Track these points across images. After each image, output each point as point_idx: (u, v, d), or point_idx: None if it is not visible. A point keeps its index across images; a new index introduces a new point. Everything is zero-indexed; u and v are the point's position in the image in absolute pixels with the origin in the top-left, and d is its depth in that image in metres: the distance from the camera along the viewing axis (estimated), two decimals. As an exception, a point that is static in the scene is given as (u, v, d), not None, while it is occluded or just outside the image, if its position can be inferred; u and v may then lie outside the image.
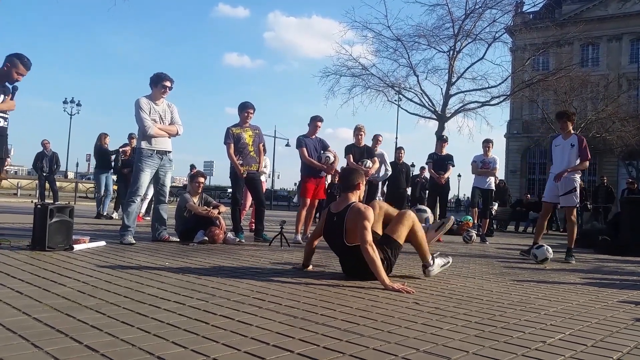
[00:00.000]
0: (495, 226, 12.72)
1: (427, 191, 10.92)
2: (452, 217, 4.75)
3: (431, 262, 3.51)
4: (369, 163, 6.63)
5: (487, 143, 8.28)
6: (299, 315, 2.21)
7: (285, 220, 5.88)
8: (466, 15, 17.20)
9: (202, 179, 6.02)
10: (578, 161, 5.49)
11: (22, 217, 7.78)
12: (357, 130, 6.93)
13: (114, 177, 9.93)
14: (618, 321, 2.43)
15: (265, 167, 7.62)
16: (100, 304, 2.24)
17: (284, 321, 2.09)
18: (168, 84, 5.22)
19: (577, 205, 5.63)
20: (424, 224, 3.89)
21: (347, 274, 3.44)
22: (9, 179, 21.94)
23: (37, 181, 14.50)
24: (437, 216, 8.79)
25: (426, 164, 8.68)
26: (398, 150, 9.88)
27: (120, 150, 9.41)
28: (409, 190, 10.33)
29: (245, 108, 5.97)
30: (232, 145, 5.82)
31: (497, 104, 18.27)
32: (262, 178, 8.29)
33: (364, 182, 3.64)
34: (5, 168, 4.66)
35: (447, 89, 17.75)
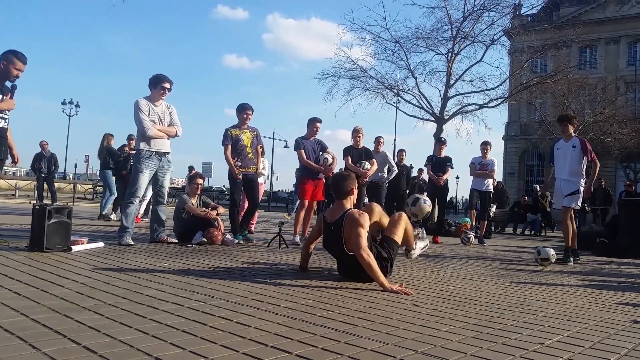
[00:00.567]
0: (493, 228, 12.73)
1: (426, 193, 10.92)
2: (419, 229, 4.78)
3: (414, 245, 3.71)
4: (367, 165, 6.63)
5: (485, 145, 8.30)
6: (297, 317, 2.21)
7: (284, 222, 5.89)
8: (464, 17, 17.23)
9: (200, 181, 6.01)
10: (584, 163, 5.50)
11: (20, 218, 7.77)
12: (355, 132, 6.93)
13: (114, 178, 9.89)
14: (616, 323, 2.43)
15: (263, 168, 7.61)
16: (98, 305, 2.24)
17: (282, 322, 2.09)
18: (167, 85, 5.21)
19: (575, 208, 5.64)
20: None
21: (343, 275, 3.45)
22: (6, 180, 21.88)
23: (35, 182, 14.47)
24: (436, 218, 8.81)
25: (425, 166, 8.69)
26: (399, 152, 9.88)
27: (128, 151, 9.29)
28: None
29: (243, 109, 5.97)
30: (230, 146, 5.82)
31: (495, 106, 18.32)
32: (261, 180, 8.31)
33: (356, 186, 3.64)
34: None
35: (446, 91, 17.77)
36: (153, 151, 5.14)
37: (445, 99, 17.84)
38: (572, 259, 5.41)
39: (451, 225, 9.76)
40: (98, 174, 10.31)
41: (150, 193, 7.43)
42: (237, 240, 5.61)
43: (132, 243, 4.88)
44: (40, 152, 11.83)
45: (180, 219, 5.63)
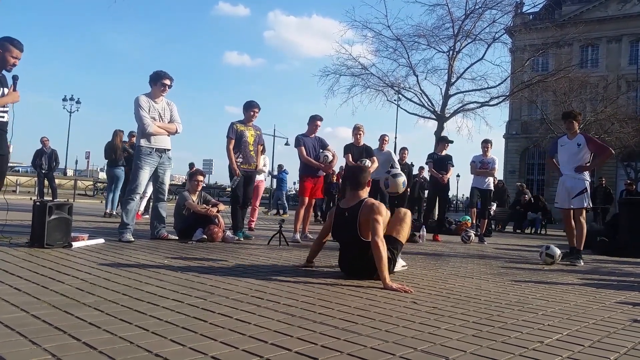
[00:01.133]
0: (493, 226, 12.74)
1: (426, 191, 10.94)
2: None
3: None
4: (367, 162, 6.63)
5: (486, 143, 8.29)
6: (297, 314, 2.21)
7: (284, 219, 5.89)
8: (466, 15, 17.22)
9: (201, 177, 6.01)
10: (589, 161, 5.47)
11: (21, 214, 7.77)
12: (356, 130, 6.93)
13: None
14: (615, 322, 2.43)
15: (264, 165, 7.61)
16: (98, 301, 2.24)
17: (283, 320, 2.09)
18: (167, 82, 5.21)
19: (587, 207, 5.57)
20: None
21: (345, 270, 3.45)
22: (7, 176, 21.88)
23: (36, 178, 14.48)
24: (436, 216, 8.81)
25: (426, 163, 8.69)
26: (402, 150, 9.88)
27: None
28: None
29: (251, 107, 6.00)
30: (233, 141, 5.83)
31: (497, 104, 18.31)
32: (261, 177, 8.31)
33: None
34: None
35: (447, 89, 17.76)
36: (153, 148, 5.14)
37: (446, 97, 17.84)
38: (581, 260, 5.33)
39: (451, 224, 9.76)
40: (106, 170, 10.12)
41: (150, 190, 7.43)
42: (237, 237, 5.62)
43: (133, 239, 4.88)
44: (41, 148, 11.83)
45: (181, 216, 5.64)
